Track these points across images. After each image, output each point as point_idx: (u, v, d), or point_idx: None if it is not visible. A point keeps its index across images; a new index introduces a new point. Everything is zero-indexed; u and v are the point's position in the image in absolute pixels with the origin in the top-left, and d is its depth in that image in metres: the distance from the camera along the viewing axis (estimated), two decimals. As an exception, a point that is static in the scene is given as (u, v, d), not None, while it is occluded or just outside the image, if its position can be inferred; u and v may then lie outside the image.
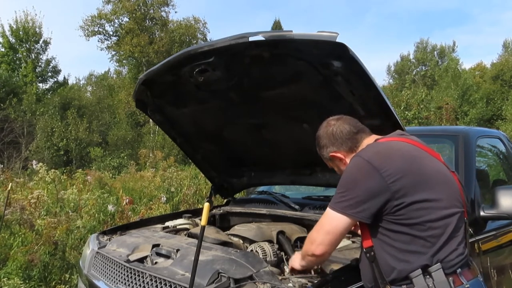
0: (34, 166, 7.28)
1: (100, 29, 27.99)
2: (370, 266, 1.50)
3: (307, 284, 1.64)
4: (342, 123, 1.68)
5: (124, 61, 29.29)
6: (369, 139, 1.65)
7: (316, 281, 1.65)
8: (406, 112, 16.08)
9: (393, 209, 1.42)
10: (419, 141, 1.61)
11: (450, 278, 1.41)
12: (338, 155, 1.66)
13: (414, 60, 38.97)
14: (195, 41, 27.65)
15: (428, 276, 1.41)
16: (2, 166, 7.80)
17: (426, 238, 1.42)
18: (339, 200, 1.48)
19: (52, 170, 6.02)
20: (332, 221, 1.50)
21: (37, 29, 24.16)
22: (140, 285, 1.89)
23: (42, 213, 5.08)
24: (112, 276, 2.12)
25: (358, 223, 1.55)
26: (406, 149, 1.53)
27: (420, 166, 1.48)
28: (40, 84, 25.23)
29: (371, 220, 1.46)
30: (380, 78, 41.87)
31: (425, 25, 64.02)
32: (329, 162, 1.74)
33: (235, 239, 2.40)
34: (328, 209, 1.52)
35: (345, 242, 2.14)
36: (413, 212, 1.42)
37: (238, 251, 1.91)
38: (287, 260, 2.09)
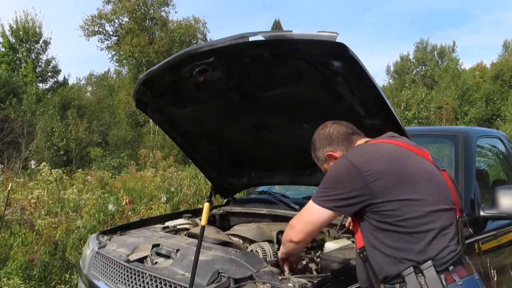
0: (33, 166, 7.26)
1: (100, 29, 28.02)
2: (363, 266, 1.53)
3: (307, 284, 1.64)
4: (338, 125, 1.75)
5: (124, 61, 29.29)
6: (361, 141, 1.70)
7: (316, 281, 1.65)
8: (406, 112, 16.10)
9: (375, 208, 1.46)
10: (408, 142, 1.64)
11: (442, 276, 1.42)
12: (335, 154, 1.70)
13: (414, 60, 39.00)
14: (195, 41, 27.66)
15: (420, 274, 1.42)
16: (2, 166, 7.79)
17: (412, 234, 1.44)
18: (322, 195, 1.55)
19: (55, 170, 6.01)
20: (312, 212, 1.57)
21: (37, 29, 24.18)
22: (140, 285, 1.89)
23: (43, 213, 5.08)
24: (112, 276, 2.12)
25: (351, 222, 1.58)
26: (389, 150, 1.56)
27: (403, 166, 1.51)
28: (40, 84, 25.26)
29: (351, 214, 1.55)
30: (380, 78, 41.93)
31: (426, 25, 64.19)
32: (323, 163, 1.77)
33: (235, 239, 2.40)
34: (310, 201, 1.58)
35: (345, 242, 2.14)
36: (396, 210, 1.44)
37: (238, 251, 1.91)
38: (287, 260, 2.10)
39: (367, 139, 1.71)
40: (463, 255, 1.52)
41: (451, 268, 1.44)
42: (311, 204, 1.58)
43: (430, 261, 1.43)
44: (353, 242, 2.14)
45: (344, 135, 1.71)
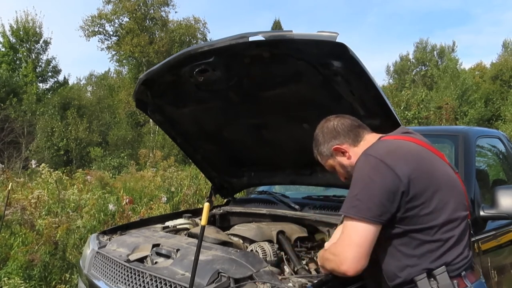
0: (33, 166, 7.25)
1: (100, 29, 28.03)
2: (372, 271, 1.48)
3: (307, 284, 1.64)
4: (342, 118, 1.67)
5: (124, 61, 29.30)
6: (372, 136, 1.61)
7: (316, 281, 1.65)
8: (406, 112, 16.12)
9: (404, 213, 1.38)
10: (425, 140, 1.58)
11: (455, 281, 1.40)
12: (343, 147, 1.61)
13: (413, 60, 39.01)
14: (195, 41, 27.66)
15: (432, 279, 1.40)
16: (2, 166, 7.78)
17: (432, 242, 1.40)
18: (355, 204, 1.37)
19: (56, 172, 6.01)
20: (359, 231, 1.36)
21: (37, 29, 24.19)
22: (140, 285, 1.89)
23: (43, 213, 5.08)
24: (112, 276, 2.12)
25: None
26: (415, 150, 1.48)
27: (430, 168, 1.44)
28: (40, 84, 25.27)
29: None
30: (380, 78, 41.92)
31: (426, 25, 64.29)
32: (329, 159, 1.67)
33: (235, 239, 2.39)
34: (348, 221, 1.39)
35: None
36: (422, 217, 1.39)
37: (238, 251, 1.91)
38: (287, 260, 2.10)
39: (378, 134, 1.63)
40: (472, 259, 1.51)
41: (463, 273, 1.43)
42: (352, 223, 1.37)
43: (443, 266, 1.40)
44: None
45: (350, 127, 1.62)
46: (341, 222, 2.10)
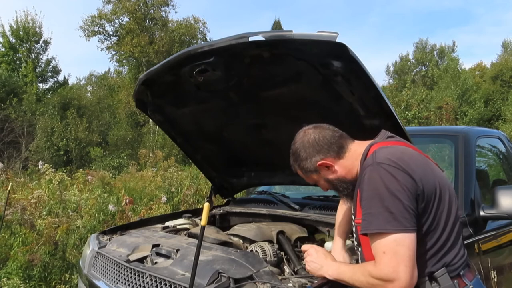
0: (40, 166, 7.23)
1: (100, 29, 28.06)
2: None
3: (307, 284, 1.64)
4: (321, 129, 1.58)
5: (124, 61, 29.31)
6: (357, 145, 1.56)
7: (316, 281, 1.65)
8: (406, 112, 16.12)
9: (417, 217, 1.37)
10: (412, 143, 1.59)
11: (455, 281, 1.40)
12: (327, 162, 1.53)
13: (413, 60, 39.04)
14: (195, 41, 27.68)
15: (434, 282, 1.39)
16: (3, 165, 7.75)
17: (436, 245, 1.40)
18: (389, 218, 1.29)
19: (60, 173, 6.01)
20: (405, 244, 1.29)
21: (37, 29, 24.24)
22: (140, 285, 1.89)
23: (44, 213, 5.08)
24: (112, 276, 2.12)
25: (354, 227, 1.52)
26: (416, 154, 1.47)
27: (432, 172, 1.44)
28: (40, 84, 25.31)
29: None
30: (380, 78, 41.96)
31: (427, 25, 64.31)
32: (312, 175, 1.59)
33: (235, 239, 2.40)
34: (386, 237, 1.30)
35: (345, 242, 2.14)
36: (429, 221, 1.38)
37: (238, 251, 1.91)
38: (287, 260, 2.10)
39: (361, 142, 1.58)
40: (468, 257, 1.52)
41: (462, 272, 1.43)
42: (394, 238, 1.29)
43: (444, 268, 1.40)
44: (353, 242, 2.13)
45: (332, 138, 1.54)
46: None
